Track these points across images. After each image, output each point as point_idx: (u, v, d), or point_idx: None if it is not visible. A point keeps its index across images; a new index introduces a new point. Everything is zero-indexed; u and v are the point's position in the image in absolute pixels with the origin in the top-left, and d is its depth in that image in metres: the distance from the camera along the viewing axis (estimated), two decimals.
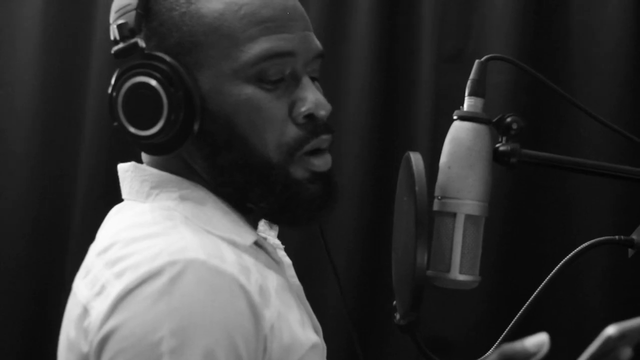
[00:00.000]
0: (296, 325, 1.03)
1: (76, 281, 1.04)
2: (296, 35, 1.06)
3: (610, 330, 0.79)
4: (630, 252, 1.26)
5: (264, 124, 1.04)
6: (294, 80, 1.06)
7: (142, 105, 1.01)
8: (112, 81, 1.02)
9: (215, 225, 1.04)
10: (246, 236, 1.07)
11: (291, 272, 1.21)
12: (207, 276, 0.94)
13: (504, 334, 1.22)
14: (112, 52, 1.03)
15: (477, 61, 1.17)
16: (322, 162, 1.09)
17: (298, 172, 1.07)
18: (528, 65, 1.21)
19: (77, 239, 2.14)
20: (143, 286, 0.93)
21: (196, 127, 1.02)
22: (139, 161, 1.13)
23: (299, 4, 1.09)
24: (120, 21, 1.03)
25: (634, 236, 1.25)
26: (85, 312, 0.97)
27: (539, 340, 0.89)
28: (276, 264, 1.11)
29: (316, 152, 1.08)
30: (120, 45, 1.02)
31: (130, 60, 1.02)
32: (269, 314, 0.98)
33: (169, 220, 1.02)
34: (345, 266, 2.16)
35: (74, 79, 2.33)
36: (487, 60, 1.17)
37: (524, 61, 1.25)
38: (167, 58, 1.02)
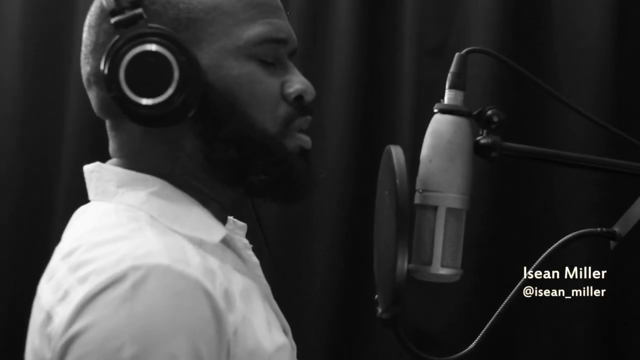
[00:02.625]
0: (261, 329, 1.03)
1: (41, 284, 1.03)
2: (285, 23, 1.12)
3: None
4: (613, 244, 1.26)
5: (263, 96, 1.08)
6: (281, 64, 1.11)
7: (149, 73, 1.01)
8: (110, 50, 1.01)
9: (182, 223, 1.04)
10: (214, 232, 1.07)
11: (258, 271, 1.20)
12: (170, 281, 0.93)
13: (486, 326, 1.22)
14: (113, 22, 1.02)
15: (457, 54, 1.17)
16: (308, 140, 1.13)
17: (290, 144, 1.10)
18: (510, 59, 1.21)
19: (58, 240, 2.13)
20: (106, 292, 0.91)
21: (199, 98, 1.03)
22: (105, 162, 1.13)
23: None
24: None
25: (616, 228, 1.25)
26: (48, 318, 0.96)
27: None
28: (243, 262, 1.11)
29: (301, 131, 1.12)
30: (122, 16, 1.02)
31: (130, 30, 1.01)
32: (232, 319, 0.97)
33: (134, 222, 1.02)
34: (327, 260, 2.16)
35: (54, 75, 2.32)
36: (468, 53, 1.17)
37: (506, 55, 1.25)
38: (172, 31, 1.02)
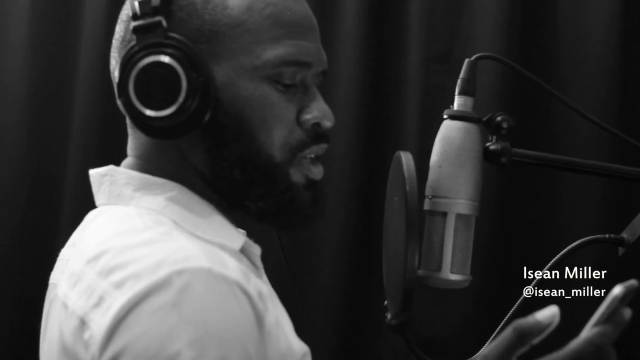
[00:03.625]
0: (290, 332, 1.03)
1: (62, 288, 1.01)
2: (314, 46, 1.09)
3: (617, 290, 0.88)
4: (621, 250, 1.26)
5: (274, 121, 1.05)
6: (303, 87, 1.08)
7: (157, 85, 1.00)
8: (125, 54, 1.01)
9: (204, 230, 1.03)
10: (234, 239, 1.06)
11: (265, 278, 1.20)
12: (214, 284, 0.92)
13: (495, 333, 1.22)
14: (132, 27, 1.01)
15: (467, 60, 1.17)
16: (318, 171, 1.10)
17: (296, 175, 1.07)
18: (517, 65, 1.22)
19: (65, 242, 2.13)
20: (150, 298, 0.89)
21: (208, 116, 1.01)
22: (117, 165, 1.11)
23: (313, 16, 1.11)
24: None
25: (624, 234, 1.25)
26: (83, 324, 0.94)
27: (550, 312, 0.92)
28: (256, 269, 1.10)
29: (313, 160, 1.09)
30: (142, 21, 1.01)
31: (147, 37, 1.00)
32: (267, 320, 0.96)
33: (161, 226, 1.00)
34: (335, 266, 2.16)
35: (61, 78, 2.32)
36: (477, 59, 1.17)
37: (512, 61, 1.25)
38: (189, 43, 1.01)
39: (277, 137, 1.05)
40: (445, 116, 1.15)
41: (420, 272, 1.12)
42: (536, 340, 0.93)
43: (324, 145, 1.09)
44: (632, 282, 0.90)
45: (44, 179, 2.31)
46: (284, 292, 1.13)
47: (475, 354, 1.21)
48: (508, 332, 0.93)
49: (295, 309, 1.11)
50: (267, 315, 0.95)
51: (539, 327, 0.92)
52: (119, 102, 1.06)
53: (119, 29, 1.09)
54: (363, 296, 2.15)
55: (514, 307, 1.22)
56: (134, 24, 1.01)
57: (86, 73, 2.24)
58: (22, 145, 2.31)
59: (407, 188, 1.06)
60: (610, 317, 0.92)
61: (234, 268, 0.95)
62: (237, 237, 1.06)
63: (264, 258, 1.11)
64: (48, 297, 1.10)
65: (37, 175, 2.31)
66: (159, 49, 1.00)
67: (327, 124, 1.09)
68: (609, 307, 0.91)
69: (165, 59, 1.00)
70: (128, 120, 1.10)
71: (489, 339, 1.22)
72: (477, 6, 2.15)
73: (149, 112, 1.00)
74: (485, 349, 0.94)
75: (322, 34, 2.28)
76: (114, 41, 1.10)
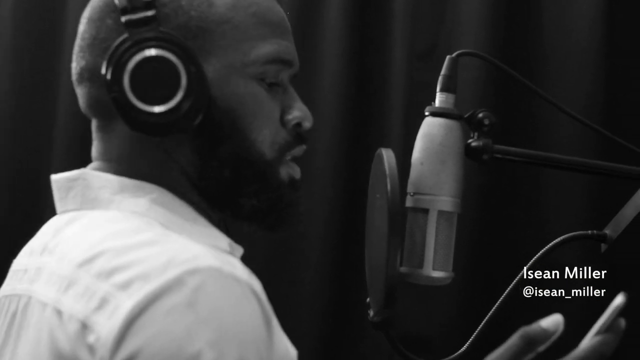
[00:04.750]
0: (284, 335, 1.02)
1: (48, 295, 0.98)
2: (293, 46, 1.08)
3: (619, 299, 0.91)
4: (603, 246, 1.27)
5: (264, 119, 1.04)
6: (282, 88, 1.08)
7: (155, 80, 0.98)
8: (116, 49, 0.98)
9: (190, 231, 1.01)
10: (220, 241, 1.04)
11: None
12: (227, 284, 0.90)
13: (477, 330, 1.22)
14: (124, 20, 0.99)
15: (448, 57, 1.17)
16: (298, 171, 1.10)
17: (283, 173, 1.07)
18: (501, 62, 1.22)
19: None
20: (163, 298, 0.87)
21: (202, 112, 1.00)
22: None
23: None
24: None
25: (606, 231, 1.25)
26: (85, 327, 0.90)
27: (555, 320, 0.93)
28: None
29: (293, 160, 1.09)
30: (134, 15, 0.99)
31: (141, 32, 0.98)
32: (273, 321, 0.95)
33: (154, 227, 0.98)
34: (318, 263, 2.16)
35: (45, 78, 2.31)
36: (458, 56, 1.17)
37: (497, 57, 1.25)
38: (182, 38, 1.00)
39: (267, 134, 1.04)
40: (426, 113, 1.15)
41: (402, 269, 1.12)
42: (542, 348, 0.94)
43: (304, 147, 1.10)
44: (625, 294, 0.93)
45: (27, 179, 2.30)
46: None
47: (458, 351, 1.21)
48: (515, 339, 0.94)
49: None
50: (272, 316, 0.94)
51: (545, 335, 0.94)
52: (84, 106, 1.05)
53: (88, 28, 1.05)
54: (347, 293, 2.15)
55: (496, 304, 1.23)
56: (125, 18, 0.99)
57: (70, 72, 2.22)
58: (6, 145, 2.30)
59: (389, 185, 1.06)
60: (610, 326, 0.94)
61: (240, 268, 0.94)
62: (223, 238, 1.05)
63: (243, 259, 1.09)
64: (7, 310, 1.06)
65: (20, 176, 2.30)
66: (155, 42, 0.98)
67: (307, 124, 1.09)
68: (610, 316, 0.93)
69: (164, 53, 0.98)
70: (96, 123, 1.08)
71: (472, 336, 1.22)
72: (461, 2, 2.15)
73: (146, 108, 0.98)
74: (491, 356, 0.94)
75: (306, 29, 2.28)
76: (79, 41, 1.06)
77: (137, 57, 0.98)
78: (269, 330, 0.93)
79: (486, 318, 1.23)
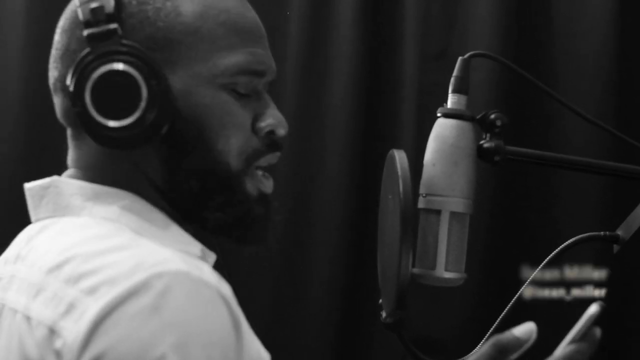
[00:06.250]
0: (256, 339, 1.02)
1: (18, 302, 0.97)
2: (266, 54, 1.06)
3: (593, 308, 0.94)
4: (616, 248, 1.26)
5: (232, 128, 1.03)
6: (256, 95, 1.06)
7: (116, 94, 0.97)
8: (79, 63, 0.98)
9: (162, 237, 1.00)
10: (192, 247, 1.03)
11: None
12: (194, 288, 0.90)
13: (490, 331, 1.22)
14: (85, 34, 0.98)
15: (460, 58, 1.17)
16: (270, 185, 1.08)
17: (250, 187, 1.05)
18: (512, 63, 1.22)
19: None
20: (129, 302, 0.87)
21: (167, 125, 0.99)
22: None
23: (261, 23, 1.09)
24: (94, 4, 0.99)
25: (619, 232, 1.25)
26: (52, 333, 0.90)
27: (527, 328, 0.94)
28: None
29: (265, 174, 1.08)
30: (96, 29, 0.98)
31: (103, 45, 0.97)
32: (242, 325, 0.94)
33: (124, 232, 0.98)
34: (331, 263, 2.16)
35: None
36: (471, 57, 1.17)
37: (508, 59, 1.25)
38: (145, 51, 0.98)
39: (234, 145, 1.03)
40: (438, 114, 1.15)
41: (414, 270, 1.12)
42: (514, 356, 0.95)
43: (278, 154, 1.08)
44: (601, 303, 0.96)
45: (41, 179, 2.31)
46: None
47: (470, 352, 1.21)
48: (487, 347, 0.95)
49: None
50: (242, 321, 0.94)
51: (518, 343, 0.95)
52: (59, 115, 1.05)
53: (61, 39, 1.05)
54: (359, 294, 2.15)
55: (509, 305, 1.22)
56: (87, 31, 0.98)
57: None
58: (20, 145, 2.31)
59: (401, 186, 1.06)
60: (584, 335, 0.96)
61: (208, 272, 0.93)
62: (195, 244, 1.04)
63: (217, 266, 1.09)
64: None
65: (34, 176, 2.31)
66: (116, 56, 0.97)
67: (282, 131, 1.07)
68: (584, 325, 0.95)
69: (124, 66, 0.97)
70: (70, 132, 1.08)
71: (484, 337, 1.22)
72: (472, 4, 2.15)
73: (107, 123, 0.97)
74: None
75: (318, 32, 2.28)
76: (54, 51, 1.06)
77: (98, 72, 0.97)
78: (238, 334, 0.92)
79: (498, 320, 1.22)
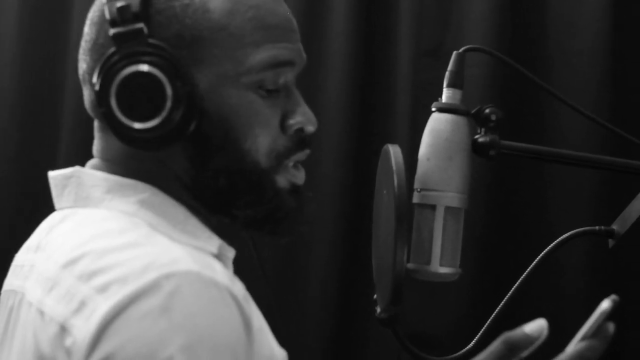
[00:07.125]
0: (270, 336, 1.02)
1: (34, 295, 0.98)
2: (295, 46, 1.05)
3: (605, 304, 0.91)
4: (611, 242, 1.26)
5: (259, 128, 1.02)
6: (285, 91, 1.05)
7: (141, 95, 0.97)
8: (104, 63, 0.97)
9: (179, 232, 1.00)
10: (211, 242, 1.03)
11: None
12: (204, 289, 0.90)
13: (485, 326, 1.22)
14: (111, 34, 0.97)
15: (455, 52, 1.17)
16: (301, 176, 1.08)
17: (281, 181, 1.05)
18: (506, 57, 1.21)
19: None
20: (138, 302, 0.87)
21: (193, 126, 0.98)
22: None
23: (293, 17, 1.08)
24: (121, 3, 0.98)
25: (614, 226, 1.25)
26: (63, 330, 0.91)
27: (538, 325, 0.93)
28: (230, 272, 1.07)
29: (296, 165, 1.07)
30: (122, 28, 0.97)
31: (128, 45, 0.97)
32: (254, 324, 0.94)
33: (139, 228, 0.98)
34: (325, 259, 2.16)
35: (51, 77, 2.31)
36: (465, 51, 1.17)
37: (503, 54, 1.25)
38: (172, 50, 0.97)
39: (263, 143, 1.02)
40: (433, 109, 1.15)
41: (409, 265, 1.12)
42: (525, 354, 0.94)
43: (307, 151, 1.08)
44: (614, 296, 0.92)
45: (34, 176, 2.30)
46: (259, 294, 1.11)
47: (465, 347, 1.21)
48: (497, 344, 0.94)
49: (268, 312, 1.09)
50: (253, 320, 0.94)
51: (528, 340, 0.94)
52: (87, 106, 1.05)
53: (90, 31, 1.04)
54: (354, 290, 2.15)
55: (503, 300, 1.22)
56: (113, 31, 0.97)
57: (76, 72, 2.22)
58: (13, 143, 2.31)
59: (396, 181, 1.05)
60: (596, 331, 0.94)
61: (221, 272, 0.93)
62: (213, 240, 1.04)
63: (236, 261, 1.09)
64: (6, 305, 1.07)
65: (27, 174, 2.30)
66: (141, 57, 0.96)
67: (311, 129, 1.07)
68: (596, 321, 0.92)
69: (149, 68, 0.96)
70: (96, 123, 1.07)
71: (479, 332, 1.22)
72: (467, 0, 2.15)
73: (132, 124, 0.97)
74: None
75: (312, 28, 2.28)
76: (83, 43, 1.06)
77: (123, 74, 0.97)
78: (249, 334, 0.92)
79: (493, 315, 1.22)
